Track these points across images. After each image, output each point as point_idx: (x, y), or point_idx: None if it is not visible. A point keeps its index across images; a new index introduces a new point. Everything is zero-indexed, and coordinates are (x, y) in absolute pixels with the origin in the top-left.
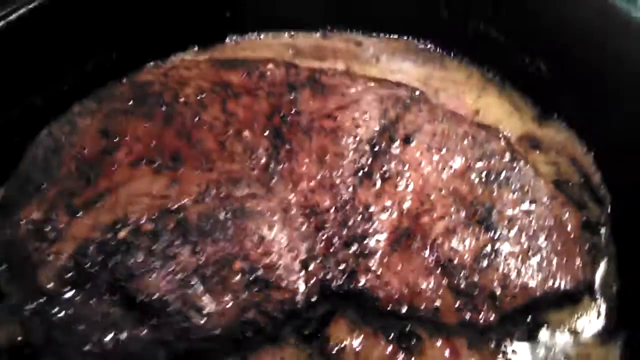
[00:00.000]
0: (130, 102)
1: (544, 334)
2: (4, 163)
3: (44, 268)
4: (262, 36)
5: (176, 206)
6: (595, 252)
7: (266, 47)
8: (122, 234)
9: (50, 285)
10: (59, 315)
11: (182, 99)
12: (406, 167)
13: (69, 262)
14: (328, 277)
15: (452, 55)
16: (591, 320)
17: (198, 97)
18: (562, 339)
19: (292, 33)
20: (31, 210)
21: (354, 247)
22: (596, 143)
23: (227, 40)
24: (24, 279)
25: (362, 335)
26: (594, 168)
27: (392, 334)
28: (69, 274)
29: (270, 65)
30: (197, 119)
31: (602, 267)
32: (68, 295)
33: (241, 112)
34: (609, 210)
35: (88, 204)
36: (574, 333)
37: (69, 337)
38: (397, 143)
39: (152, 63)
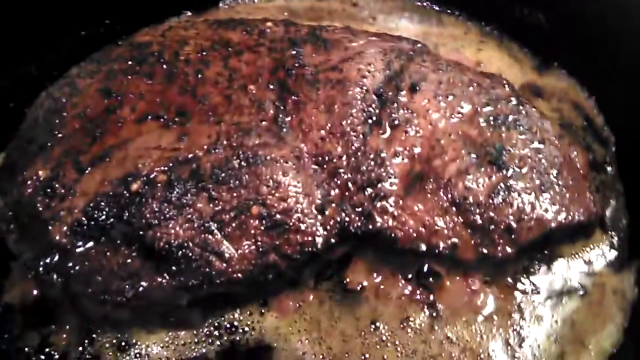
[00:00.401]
0: (130, 62)
1: (559, 266)
2: (3, 128)
3: (56, 224)
4: (255, 0)
5: (189, 157)
6: (603, 189)
7: (260, 11)
8: (135, 186)
9: (65, 240)
10: (76, 268)
11: (182, 57)
12: (414, 115)
13: (81, 216)
14: (346, 219)
15: (449, 11)
16: (604, 252)
17: (199, 55)
18: (577, 270)
19: None
20: (37, 169)
21: (369, 191)
22: (597, 88)
23: (221, 4)
24: (35, 236)
25: (381, 276)
26: (595, 112)
27: (411, 273)
28: (83, 228)
29: (269, 23)
30: (200, 75)
31: (611, 202)
32: (83, 248)
33: (244, 67)
34: (613, 150)
35: (95, 160)
36: (588, 264)
37: (87, 288)
38: (403, 92)
39: (146, 29)
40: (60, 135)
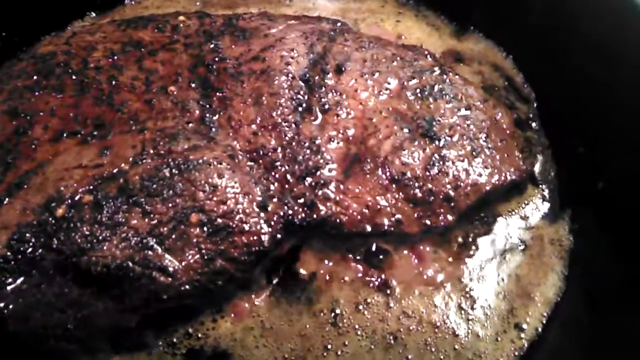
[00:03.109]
0: (35, 77)
1: (498, 226)
2: None
3: None
4: None
5: (114, 172)
6: (530, 145)
7: (170, 4)
8: (60, 210)
9: None
10: (10, 306)
11: (92, 65)
12: (344, 96)
13: (6, 251)
14: (289, 212)
15: None
16: (537, 206)
17: (110, 60)
18: (515, 226)
19: None
20: None
21: (309, 180)
22: (513, 48)
23: (126, 1)
24: None
25: (332, 262)
26: (514, 70)
27: (360, 254)
28: (10, 264)
29: (181, 17)
30: (114, 82)
31: (538, 157)
32: (14, 285)
33: (161, 68)
34: (535, 106)
35: (12, 188)
36: (525, 219)
37: (26, 325)
38: (330, 74)
39: (47, 36)
40: None
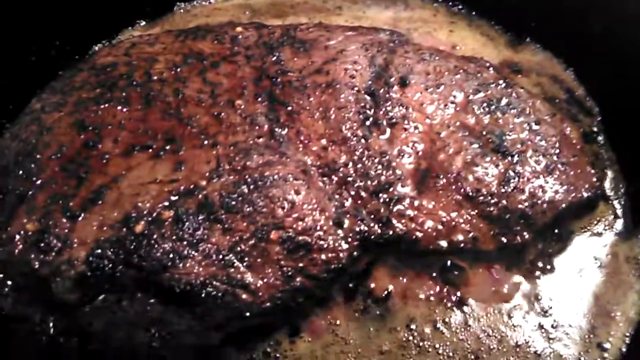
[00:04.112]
0: (98, 89)
1: (572, 243)
2: None
3: (57, 280)
4: (212, 0)
5: (191, 187)
6: (597, 160)
7: (219, 12)
8: (139, 227)
9: (72, 297)
10: (91, 324)
11: (155, 77)
12: (410, 110)
13: (85, 268)
14: (365, 229)
15: None
16: (610, 222)
17: (172, 72)
18: (589, 244)
19: None
20: (23, 223)
21: (383, 196)
22: (573, 59)
23: (175, 9)
24: (36, 296)
25: (406, 278)
26: (575, 83)
27: (435, 271)
28: (89, 281)
29: (239, 28)
30: (180, 95)
31: (607, 172)
32: (94, 302)
33: (225, 81)
34: (599, 119)
35: (87, 203)
36: (598, 236)
37: (108, 344)
38: (394, 87)
39: (99, 45)
40: (39, 181)
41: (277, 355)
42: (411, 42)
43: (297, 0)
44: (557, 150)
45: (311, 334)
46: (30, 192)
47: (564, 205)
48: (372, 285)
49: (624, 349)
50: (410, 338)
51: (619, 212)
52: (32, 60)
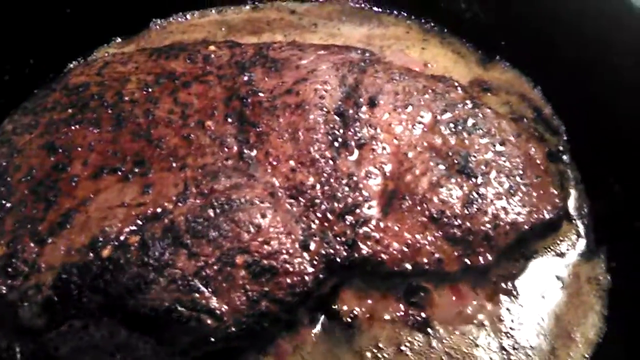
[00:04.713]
0: (70, 110)
1: (534, 263)
2: None
3: (24, 305)
4: (188, 16)
5: (158, 211)
6: (562, 179)
7: (195, 28)
8: (105, 251)
9: (38, 322)
10: (58, 350)
11: (127, 98)
12: (378, 130)
13: (52, 293)
14: (331, 252)
15: (388, 11)
16: (573, 242)
17: (144, 92)
18: (552, 264)
19: (220, 9)
20: None
21: (349, 218)
22: (541, 77)
23: (152, 25)
24: (3, 322)
25: (372, 300)
26: (543, 101)
27: (400, 293)
28: (56, 306)
29: (212, 47)
30: (150, 116)
31: (571, 192)
32: (61, 327)
33: (196, 101)
34: (565, 138)
35: (55, 227)
36: (561, 256)
37: None
38: (363, 108)
39: (74, 62)
40: (8, 204)
41: None
42: (382, 61)
43: (273, 16)
44: (521, 172)
45: (277, 357)
46: None
47: (526, 227)
48: (338, 307)
49: None
50: (375, 359)
51: (582, 231)
52: (6, 79)
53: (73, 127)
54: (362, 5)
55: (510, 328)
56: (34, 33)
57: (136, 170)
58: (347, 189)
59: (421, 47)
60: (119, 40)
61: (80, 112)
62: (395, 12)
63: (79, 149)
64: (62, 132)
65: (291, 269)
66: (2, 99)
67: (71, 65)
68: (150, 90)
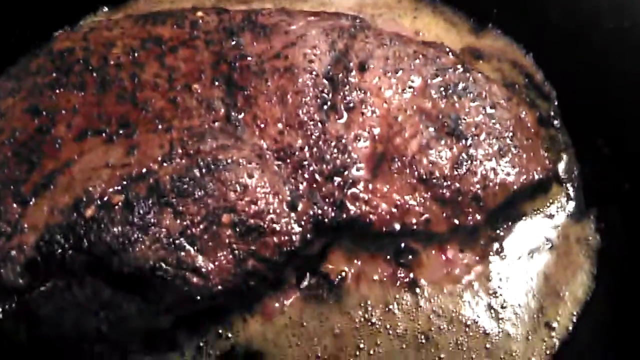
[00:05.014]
0: (54, 74)
1: (524, 224)
2: None
3: (7, 265)
4: None
5: (143, 171)
6: (553, 143)
7: None
8: (89, 211)
9: (21, 281)
10: (40, 309)
11: (112, 62)
12: (368, 94)
13: (35, 253)
14: (319, 212)
15: None
16: (562, 204)
17: (130, 57)
18: (541, 225)
19: None
20: None
21: (337, 179)
22: (532, 44)
23: None
24: None
25: (360, 261)
26: (534, 68)
27: (389, 254)
28: (39, 265)
29: (199, 13)
30: (136, 79)
31: (562, 155)
32: (43, 287)
33: (183, 65)
34: (556, 104)
35: (38, 188)
36: (550, 217)
37: (58, 329)
38: (353, 72)
39: (60, 31)
40: None
41: (229, 335)
42: (372, 28)
43: None
44: (511, 134)
45: (264, 316)
46: None
47: (515, 187)
48: (327, 267)
49: (571, 328)
50: (363, 320)
51: (572, 194)
52: None
53: (57, 91)
54: None
55: (499, 287)
56: (18, 1)
57: (121, 132)
58: (335, 151)
59: (413, 16)
60: (106, 9)
61: (64, 76)
62: None
63: (63, 112)
64: (46, 95)
65: (278, 228)
66: None
67: (57, 34)
68: (136, 54)
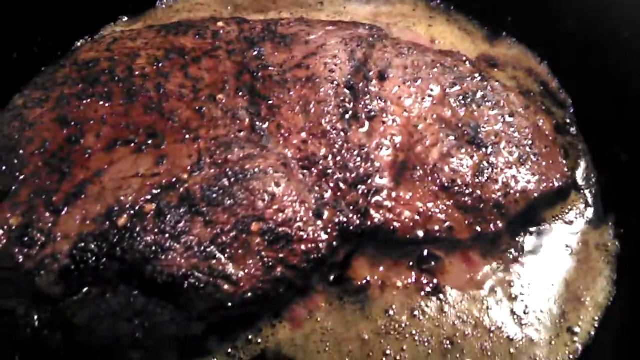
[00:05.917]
0: (81, 85)
1: (544, 231)
2: None
3: (42, 274)
4: None
5: (173, 181)
6: (570, 151)
7: (201, 7)
8: (121, 220)
9: (56, 290)
10: (75, 317)
11: (137, 72)
12: (388, 103)
13: (69, 261)
14: (344, 220)
15: None
16: (581, 211)
17: (154, 67)
18: (561, 231)
19: None
20: (6, 217)
21: (361, 187)
22: (547, 52)
23: (158, 4)
24: (20, 290)
25: (384, 268)
26: (549, 76)
27: (412, 260)
28: (73, 274)
29: (220, 24)
30: (161, 90)
31: (579, 162)
32: (78, 295)
33: (206, 75)
34: (571, 111)
35: (69, 198)
36: (569, 224)
37: (92, 337)
38: (373, 81)
39: (81, 40)
40: (22, 176)
41: (259, 341)
42: (390, 37)
43: None
44: (530, 142)
45: (292, 322)
46: (13, 188)
47: (536, 195)
48: (351, 274)
49: (593, 333)
50: (388, 325)
51: (590, 201)
52: (14, 57)
53: (84, 101)
54: None
55: (521, 293)
56: (41, 11)
57: (149, 142)
58: (358, 159)
59: (428, 25)
60: (125, 19)
61: (91, 87)
62: None
63: (91, 122)
64: (73, 106)
65: (305, 237)
66: (11, 76)
67: (78, 44)
68: (160, 65)
